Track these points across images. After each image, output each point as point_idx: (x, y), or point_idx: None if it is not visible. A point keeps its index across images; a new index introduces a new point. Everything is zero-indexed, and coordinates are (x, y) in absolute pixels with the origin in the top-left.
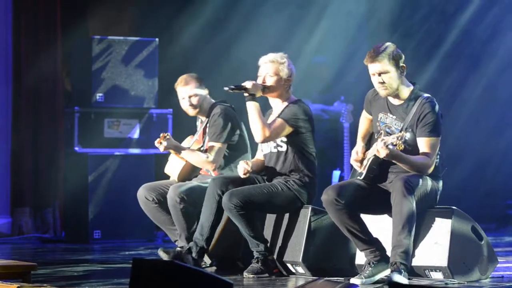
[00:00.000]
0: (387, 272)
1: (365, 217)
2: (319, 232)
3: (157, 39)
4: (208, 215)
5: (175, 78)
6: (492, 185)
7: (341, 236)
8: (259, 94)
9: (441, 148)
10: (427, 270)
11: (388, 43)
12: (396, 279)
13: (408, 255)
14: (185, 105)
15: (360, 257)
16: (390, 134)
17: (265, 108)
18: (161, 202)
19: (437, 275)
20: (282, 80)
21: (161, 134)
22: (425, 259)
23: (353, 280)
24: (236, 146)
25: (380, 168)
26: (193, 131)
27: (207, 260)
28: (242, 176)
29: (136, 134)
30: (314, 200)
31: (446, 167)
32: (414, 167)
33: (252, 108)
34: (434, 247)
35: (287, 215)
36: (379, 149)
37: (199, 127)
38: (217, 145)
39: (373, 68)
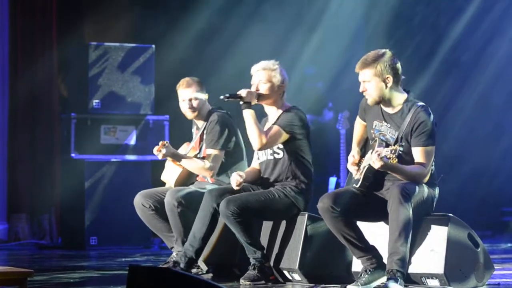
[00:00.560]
0: (383, 279)
1: (361, 224)
2: (316, 239)
3: (153, 46)
4: (200, 227)
5: (171, 84)
6: (488, 192)
7: (337, 243)
8: (254, 102)
9: (437, 155)
10: (423, 278)
11: (383, 51)
12: (393, 286)
13: (404, 262)
14: (184, 107)
15: (357, 264)
16: (385, 142)
17: (261, 115)
18: (158, 209)
19: (434, 283)
20: (276, 87)
21: (160, 142)
22: (421, 266)
23: (350, 287)
24: (232, 153)
25: (376, 175)
26: (189, 138)
27: (203, 267)
28: (235, 187)
29: (132, 141)
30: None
31: (442, 174)
32: (410, 177)
33: (248, 116)
34: (431, 254)
35: (283, 222)
36: (374, 160)
37: (195, 134)
38: (215, 152)
39: (359, 75)
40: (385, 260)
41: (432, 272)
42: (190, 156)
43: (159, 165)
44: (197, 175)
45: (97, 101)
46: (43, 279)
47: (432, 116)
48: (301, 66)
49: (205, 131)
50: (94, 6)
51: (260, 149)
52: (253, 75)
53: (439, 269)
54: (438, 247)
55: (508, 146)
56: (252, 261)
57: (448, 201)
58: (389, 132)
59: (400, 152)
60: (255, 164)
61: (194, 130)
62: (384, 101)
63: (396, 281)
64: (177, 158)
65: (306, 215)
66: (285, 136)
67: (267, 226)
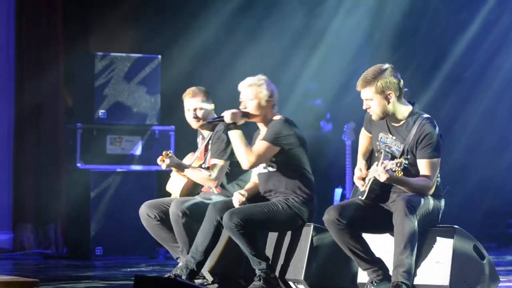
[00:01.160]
0: None
1: (367, 236)
2: (321, 250)
3: (159, 56)
4: (203, 240)
5: (177, 95)
6: (493, 204)
7: (343, 254)
8: (240, 121)
9: (442, 167)
10: None
11: (383, 67)
12: None
13: (410, 274)
14: (189, 117)
15: (362, 276)
16: (390, 154)
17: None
18: (163, 219)
19: None
20: (263, 102)
21: (164, 152)
22: (427, 278)
23: None
24: (238, 163)
25: (381, 188)
26: (195, 148)
27: (208, 277)
28: (237, 206)
29: (138, 151)
30: (314, 217)
31: (447, 186)
32: (415, 189)
33: (234, 136)
34: (436, 266)
35: (289, 233)
36: (379, 173)
37: (200, 144)
38: (220, 162)
39: (361, 94)
40: (391, 272)
41: (437, 284)
42: (194, 166)
43: (165, 176)
44: (202, 186)
45: (103, 111)
46: None
47: (437, 128)
48: (303, 82)
49: (210, 141)
50: (100, 16)
51: (250, 168)
52: (241, 91)
53: (445, 281)
54: (444, 259)
55: None
56: (257, 272)
57: (454, 213)
58: (395, 145)
59: (406, 165)
60: (254, 178)
61: (199, 139)
62: (388, 115)
63: None
64: (181, 168)
65: (312, 226)
66: (274, 149)
67: (272, 236)
